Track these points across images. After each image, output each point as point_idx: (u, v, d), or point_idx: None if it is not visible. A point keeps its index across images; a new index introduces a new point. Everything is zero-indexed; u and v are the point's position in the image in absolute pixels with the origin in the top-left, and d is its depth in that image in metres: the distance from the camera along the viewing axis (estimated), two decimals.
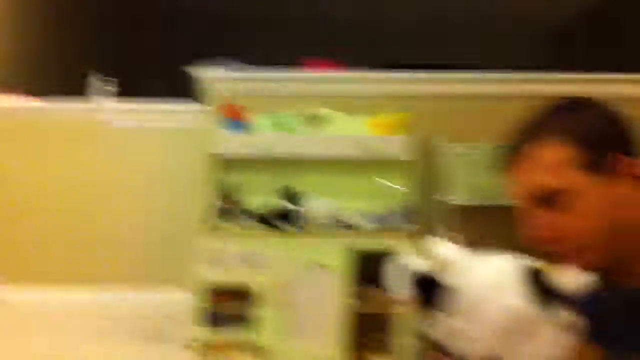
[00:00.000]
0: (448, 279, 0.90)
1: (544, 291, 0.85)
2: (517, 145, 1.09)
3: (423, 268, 0.92)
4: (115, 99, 3.88)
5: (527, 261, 0.89)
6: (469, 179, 3.08)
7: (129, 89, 3.75)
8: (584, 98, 1.11)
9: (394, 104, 3.36)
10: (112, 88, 3.91)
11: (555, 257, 1.00)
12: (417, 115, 3.33)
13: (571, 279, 0.87)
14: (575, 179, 1.02)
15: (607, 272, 1.01)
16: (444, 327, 0.90)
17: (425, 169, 3.36)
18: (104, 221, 3.65)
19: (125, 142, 3.73)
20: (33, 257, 3.62)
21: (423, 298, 0.91)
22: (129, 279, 3.59)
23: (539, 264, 0.89)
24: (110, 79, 3.96)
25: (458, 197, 3.14)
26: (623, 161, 1.03)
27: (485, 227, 3.32)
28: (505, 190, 1.10)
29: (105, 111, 3.76)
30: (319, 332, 2.98)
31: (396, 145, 3.19)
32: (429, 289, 0.90)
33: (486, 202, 3.04)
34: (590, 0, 6.64)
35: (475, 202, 3.07)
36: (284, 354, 2.97)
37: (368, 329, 3.04)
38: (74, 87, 3.84)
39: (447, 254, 0.93)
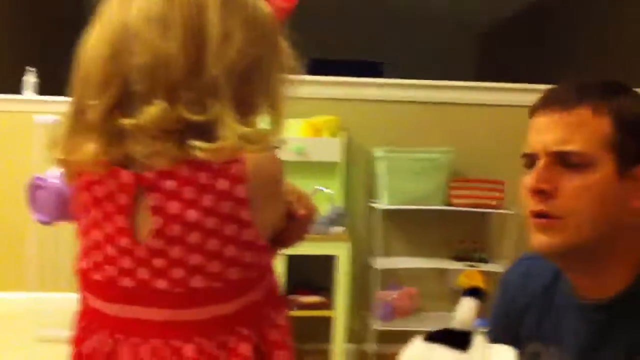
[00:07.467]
0: None
1: None
2: (555, 98, 1.04)
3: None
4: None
5: None
6: (394, 183, 3.16)
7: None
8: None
9: (326, 107, 3.40)
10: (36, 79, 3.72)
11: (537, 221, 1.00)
12: (347, 118, 3.39)
13: None
14: (600, 153, 0.97)
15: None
16: None
17: (354, 172, 3.44)
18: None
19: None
20: None
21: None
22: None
23: None
24: (32, 69, 3.77)
25: (383, 200, 3.22)
26: None
27: (408, 230, 3.44)
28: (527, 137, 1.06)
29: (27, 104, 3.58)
30: None
31: (330, 148, 3.24)
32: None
33: (410, 206, 3.14)
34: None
35: (400, 205, 3.18)
36: None
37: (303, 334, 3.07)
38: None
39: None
